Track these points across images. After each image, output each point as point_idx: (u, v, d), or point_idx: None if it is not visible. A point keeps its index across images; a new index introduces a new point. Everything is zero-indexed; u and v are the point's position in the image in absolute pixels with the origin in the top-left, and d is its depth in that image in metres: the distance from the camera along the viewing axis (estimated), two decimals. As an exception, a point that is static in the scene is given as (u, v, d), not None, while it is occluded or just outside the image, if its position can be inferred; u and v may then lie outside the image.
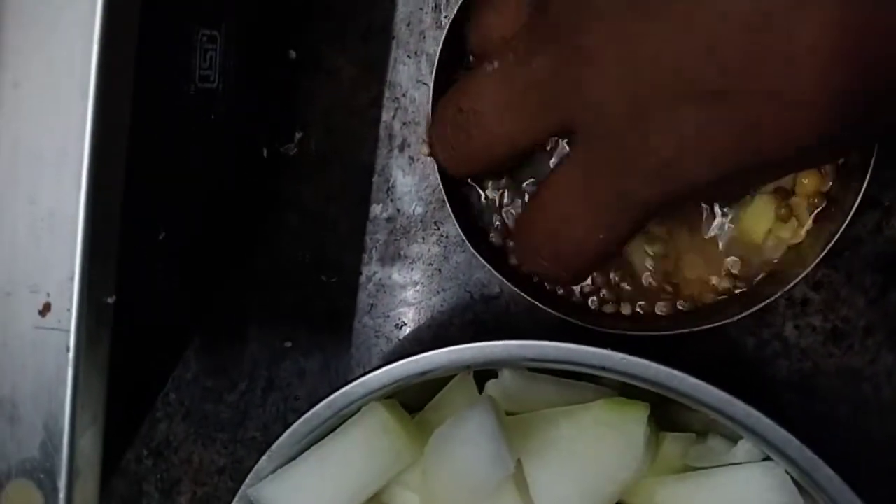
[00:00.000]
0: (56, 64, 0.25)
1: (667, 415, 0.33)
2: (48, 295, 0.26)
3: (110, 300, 0.27)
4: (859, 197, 0.32)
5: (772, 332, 0.37)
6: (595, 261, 0.31)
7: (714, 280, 0.35)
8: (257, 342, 0.42)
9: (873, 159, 0.31)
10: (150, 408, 0.40)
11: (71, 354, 0.26)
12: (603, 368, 0.29)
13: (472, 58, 0.35)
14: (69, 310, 0.25)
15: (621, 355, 0.29)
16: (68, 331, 0.26)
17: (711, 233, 0.35)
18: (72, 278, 0.25)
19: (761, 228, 0.34)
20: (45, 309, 0.26)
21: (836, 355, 0.37)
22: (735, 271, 0.35)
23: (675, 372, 0.29)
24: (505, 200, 0.36)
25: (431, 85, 0.34)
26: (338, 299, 0.41)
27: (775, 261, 0.34)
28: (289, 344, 0.42)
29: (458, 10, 0.34)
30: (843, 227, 0.32)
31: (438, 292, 0.40)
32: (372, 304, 0.41)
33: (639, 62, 0.24)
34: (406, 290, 0.40)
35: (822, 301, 0.37)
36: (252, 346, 0.42)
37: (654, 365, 0.29)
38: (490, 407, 0.29)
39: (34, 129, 0.25)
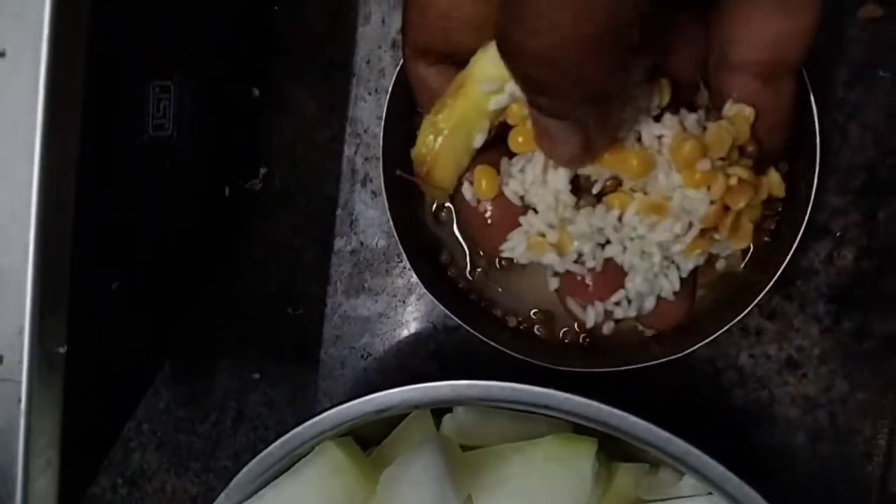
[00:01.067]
0: (1, 123, 0.25)
1: (620, 446, 0.34)
2: (-1, 347, 0.26)
3: (62, 350, 0.27)
4: (801, 230, 0.32)
5: (727, 362, 0.38)
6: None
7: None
8: (227, 373, 0.43)
9: (813, 192, 0.32)
10: (114, 441, 0.41)
11: (23, 405, 0.27)
12: (546, 407, 0.30)
13: None
14: (20, 362, 0.26)
15: (564, 395, 0.29)
16: (20, 382, 0.26)
17: None
18: (21, 332, 0.26)
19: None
20: (-3, 361, 0.27)
21: (791, 383, 0.38)
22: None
23: (616, 411, 0.29)
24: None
25: (383, 119, 0.35)
26: (304, 331, 0.42)
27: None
28: (257, 375, 0.42)
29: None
30: (788, 259, 0.32)
31: (402, 324, 0.41)
32: (338, 336, 0.41)
33: None
34: (371, 322, 0.41)
35: (776, 330, 0.37)
36: (222, 377, 0.43)
37: (594, 404, 0.29)
38: (437, 447, 0.30)
39: (-18, 188, 0.26)
